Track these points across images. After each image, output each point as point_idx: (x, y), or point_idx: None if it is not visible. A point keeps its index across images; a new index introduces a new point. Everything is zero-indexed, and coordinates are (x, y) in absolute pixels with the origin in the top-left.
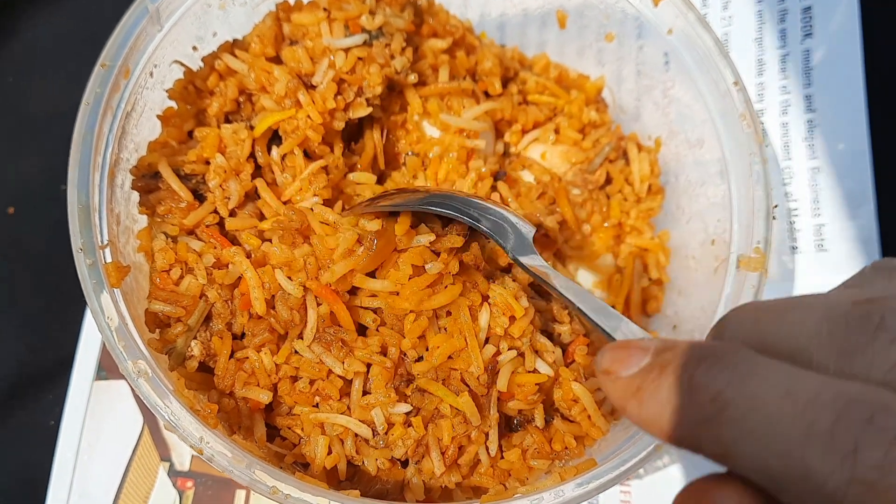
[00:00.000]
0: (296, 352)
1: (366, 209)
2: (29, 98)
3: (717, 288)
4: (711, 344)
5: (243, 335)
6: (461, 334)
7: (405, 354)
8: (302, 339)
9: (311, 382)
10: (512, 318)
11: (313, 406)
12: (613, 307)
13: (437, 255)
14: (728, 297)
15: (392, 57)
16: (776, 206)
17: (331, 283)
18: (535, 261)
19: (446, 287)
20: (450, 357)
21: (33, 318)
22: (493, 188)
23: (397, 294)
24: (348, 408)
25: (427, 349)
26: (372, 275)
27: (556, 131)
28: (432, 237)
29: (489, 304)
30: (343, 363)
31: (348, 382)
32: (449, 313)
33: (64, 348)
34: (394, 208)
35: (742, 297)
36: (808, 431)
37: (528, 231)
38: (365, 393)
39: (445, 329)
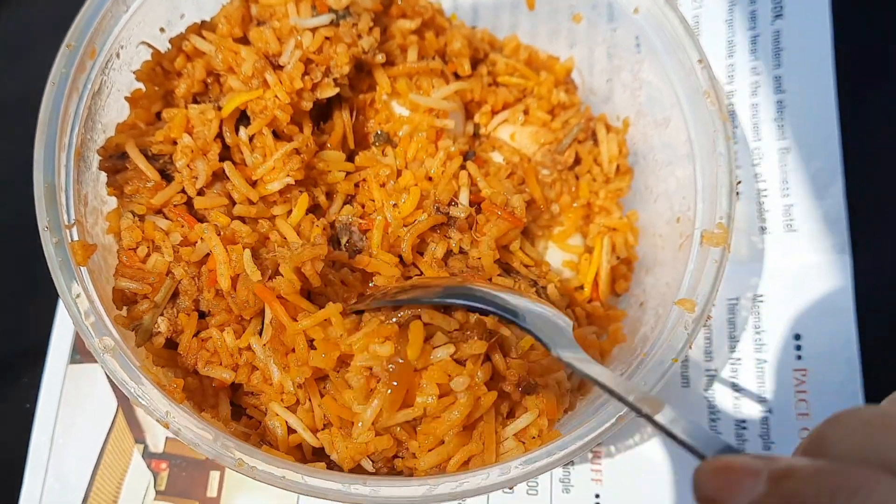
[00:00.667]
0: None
1: (384, 303)
2: None
3: (682, 263)
4: (839, 471)
5: (209, 313)
6: (481, 439)
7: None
8: (260, 336)
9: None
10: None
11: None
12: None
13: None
14: (692, 272)
15: (359, 37)
16: (740, 182)
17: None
18: (579, 354)
19: (479, 399)
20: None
21: (6, 302)
22: (463, 167)
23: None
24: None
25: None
26: None
27: (526, 112)
28: (452, 350)
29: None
30: (282, 370)
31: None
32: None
33: (38, 332)
34: (417, 302)
35: (705, 271)
36: None
37: (567, 325)
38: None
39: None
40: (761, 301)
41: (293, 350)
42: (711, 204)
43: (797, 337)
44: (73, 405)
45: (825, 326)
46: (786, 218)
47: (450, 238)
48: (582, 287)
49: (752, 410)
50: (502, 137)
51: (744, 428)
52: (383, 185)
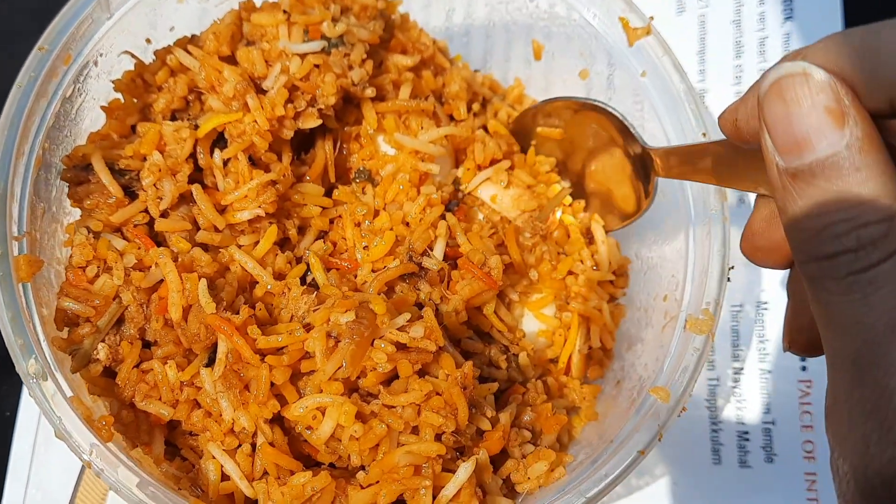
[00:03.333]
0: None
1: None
2: None
3: (664, 347)
4: None
5: (155, 343)
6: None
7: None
8: (212, 368)
9: (209, 414)
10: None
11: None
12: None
13: None
14: (672, 358)
15: (350, 68)
16: (732, 268)
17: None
18: None
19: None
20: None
21: None
22: (443, 217)
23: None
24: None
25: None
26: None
27: (511, 168)
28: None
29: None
30: (234, 411)
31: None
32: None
33: None
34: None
35: (684, 359)
36: None
37: None
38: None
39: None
40: (766, 309)
41: (247, 387)
42: (700, 287)
43: None
44: None
45: None
46: None
47: (419, 290)
48: (556, 360)
49: (755, 421)
50: (483, 197)
51: (746, 439)
52: (358, 225)
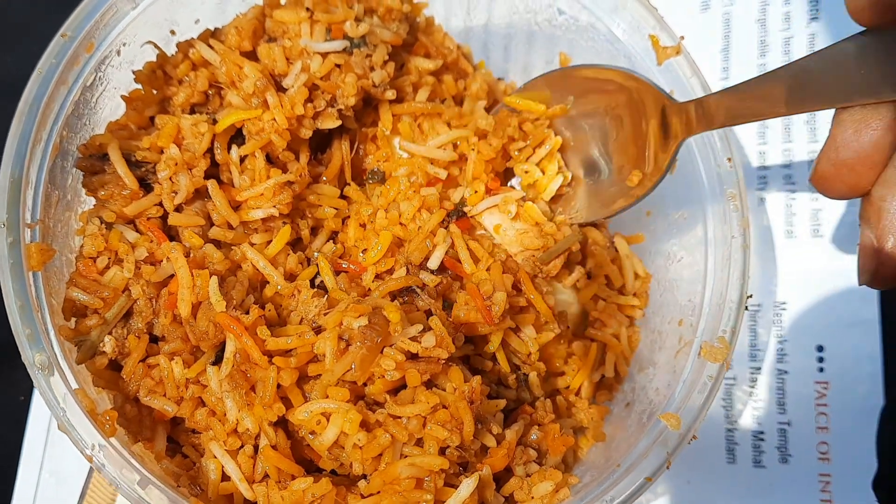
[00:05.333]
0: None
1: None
2: None
3: (677, 372)
4: None
5: (163, 339)
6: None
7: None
8: (219, 367)
9: (213, 413)
10: None
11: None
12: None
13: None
14: (685, 384)
15: (372, 69)
16: (750, 297)
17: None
18: None
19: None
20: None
21: None
22: (444, 226)
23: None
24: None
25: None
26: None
27: (523, 199)
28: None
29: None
30: (238, 411)
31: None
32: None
33: None
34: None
35: (697, 386)
36: None
37: None
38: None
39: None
40: (784, 309)
41: (253, 388)
42: (717, 314)
43: (820, 349)
44: None
45: (849, 338)
46: (813, 223)
47: (417, 307)
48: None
49: (770, 421)
50: (486, 224)
51: (761, 439)
52: (363, 226)
